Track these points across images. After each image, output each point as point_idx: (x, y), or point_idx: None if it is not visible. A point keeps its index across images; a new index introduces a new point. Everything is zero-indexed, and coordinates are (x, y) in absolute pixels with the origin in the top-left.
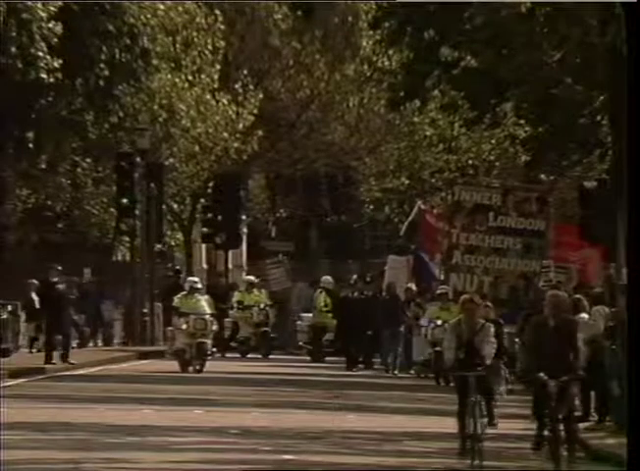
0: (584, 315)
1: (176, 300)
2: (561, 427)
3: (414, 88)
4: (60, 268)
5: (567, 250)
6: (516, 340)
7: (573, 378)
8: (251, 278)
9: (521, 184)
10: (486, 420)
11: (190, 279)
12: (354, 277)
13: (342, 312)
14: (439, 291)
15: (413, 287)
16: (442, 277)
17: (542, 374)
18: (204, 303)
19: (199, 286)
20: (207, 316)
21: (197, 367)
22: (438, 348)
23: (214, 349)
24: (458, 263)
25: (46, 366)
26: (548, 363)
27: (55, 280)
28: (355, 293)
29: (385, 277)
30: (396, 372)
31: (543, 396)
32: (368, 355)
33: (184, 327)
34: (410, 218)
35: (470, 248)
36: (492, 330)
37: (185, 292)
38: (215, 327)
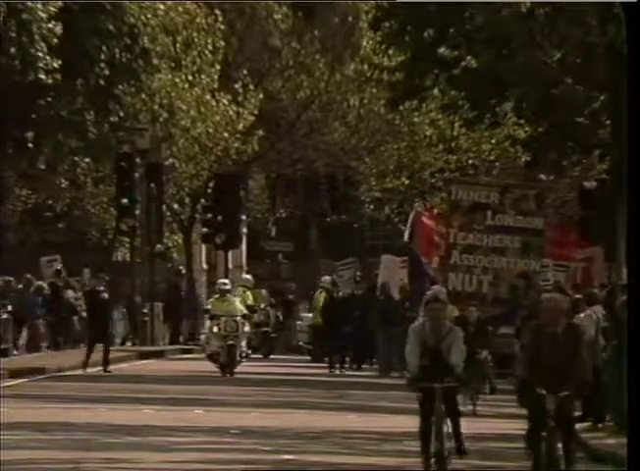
0: (582, 314)
1: (209, 304)
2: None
3: (414, 88)
4: (103, 276)
5: (568, 249)
6: (515, 340)
7: (576, 393)
8: (249, 277)
9: (518, 182)
10: (453, 443)
11: (220, 281)
12: (345, 276)
13: (330, 312)
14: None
15: (407, 287)
16: (440, 278)
17: (540, 388)
18: (237, 304)
19: (229, 287)
20: (238, 318)
21: (228, 370)
22: None
23: (249, 351)
24: (457, 263)
25: (46, 366)
26: (547, 376)
27: (101, 288)
28: (345, 293)
29: (379, 277)
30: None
31: (540, 414)
32: (358, 356)
33: (215, 330)
34: (410, 221)
35: (469, 248)
36: (461, 334)
37: (217, 295)
38: (247, 328)
